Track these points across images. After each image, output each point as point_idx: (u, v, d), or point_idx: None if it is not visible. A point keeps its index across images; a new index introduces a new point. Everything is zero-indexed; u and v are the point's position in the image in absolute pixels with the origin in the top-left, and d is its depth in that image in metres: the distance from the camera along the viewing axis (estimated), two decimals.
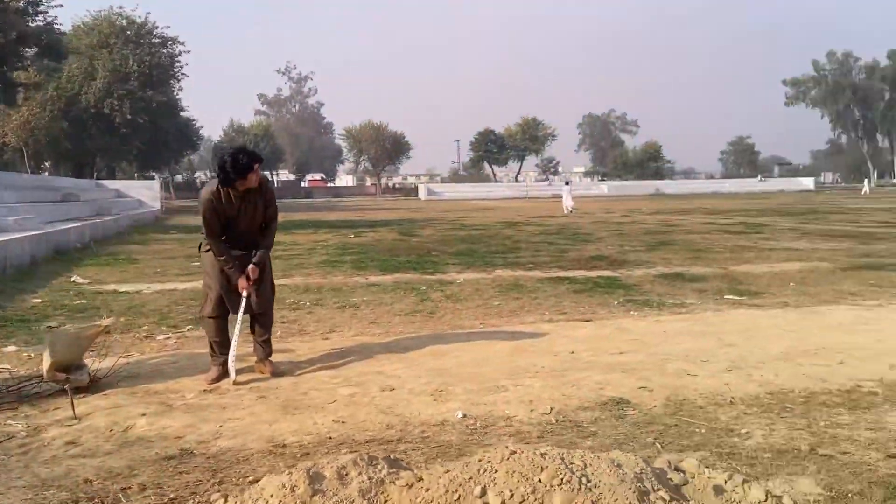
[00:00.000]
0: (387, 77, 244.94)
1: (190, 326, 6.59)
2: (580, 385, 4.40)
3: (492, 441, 3.55)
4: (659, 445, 3.42)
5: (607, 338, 5.75)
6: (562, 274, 9.87)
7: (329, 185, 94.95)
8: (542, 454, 2.71)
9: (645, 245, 14.13)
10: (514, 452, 2.73)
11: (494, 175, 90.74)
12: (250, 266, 4.67)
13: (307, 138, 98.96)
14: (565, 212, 29.31)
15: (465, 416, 3.91)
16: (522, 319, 6.75)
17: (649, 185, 73.58)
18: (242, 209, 4.59)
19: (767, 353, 5.09)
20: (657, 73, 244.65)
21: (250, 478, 3.16)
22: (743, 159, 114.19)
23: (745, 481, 2.86)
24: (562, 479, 2.53)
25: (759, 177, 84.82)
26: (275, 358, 5.01)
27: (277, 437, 3.66)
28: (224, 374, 4.72)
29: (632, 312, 6.95)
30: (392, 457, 3.11)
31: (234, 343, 4.71)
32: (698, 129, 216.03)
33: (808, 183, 76.30)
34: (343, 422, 3.86)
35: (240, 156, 4.33)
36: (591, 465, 2.64)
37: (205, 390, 4.52)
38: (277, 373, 4.81)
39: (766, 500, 2.74)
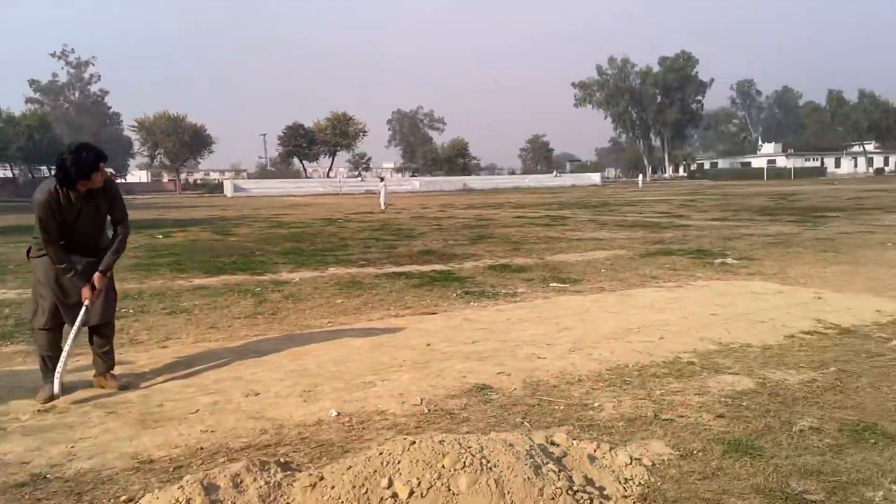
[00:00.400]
0: (184, 66, 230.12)
1: None
2: (444, 375, 4.60)
3: (371, 436, 3.62)
4: (528, 424, 3.70)
5: (457, 328, 6.01)
6: (396, 269, 10.06)
7: (120, 181, 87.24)
8: (440, 441, 2.84)
9: (467, 239, 14.78)
10: (414, 442, 2.83)
11: (305, 171, 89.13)
12: (97, 274, 4.28)
13: (90, 129, 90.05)
14: (382, 207, 29.70)
15: (338, 414, 3.93)
16: (370, 316, 6.82)
17: (458, 181, 76.45)
18: (84, 211, 4.19)
19: (599, 334, 5.65)
20: (461, 72, 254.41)
21: (123, 497, 2.97)
22: (539, 156, 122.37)
23: (611, 448, 3.21)
24: (464, 463, 2.68)
25: (554, 172, 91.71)
26: (114, 371, 4.64)
27: (142, 453, 3.44)
28: (61, 390, 4.30)
29: (472, 303, 7.30)
30: (281, 460, 3.07)
31: (64, 354, 4.28)
32: (500, 127, 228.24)
33: (595, 178, 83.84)
34: (212, 431, 3.71)
35: (83, 153, 3.94)
36: (486, 447, 2.82)
37: (40, 410, 4.09)
38: (122, 386, 4.47)
39: (630, 463, 3.10)
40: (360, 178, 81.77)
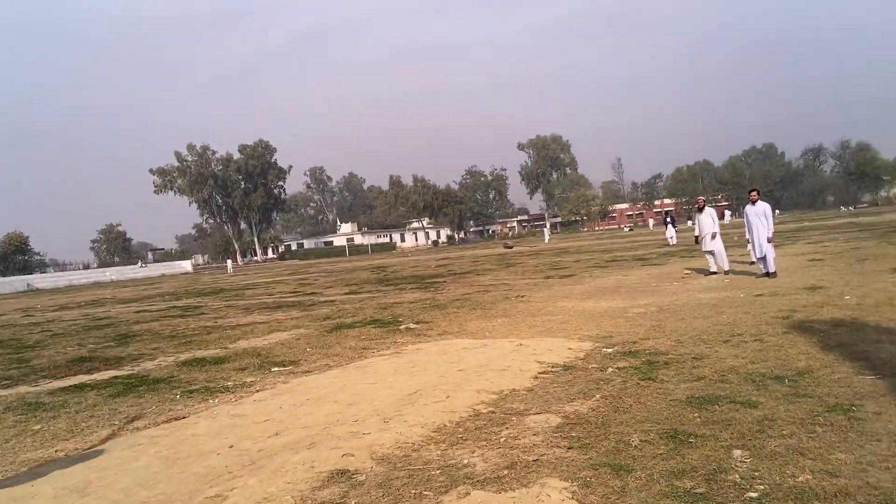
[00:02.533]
0: None
1: None
2: (289, 470, 4.26)
3: None
4: (430, 493, 3.74)
5: (237, 426, 5.51)
6: (64, 383, 8.48)
7: None
8: None
9: (111, 340, 13.07)
10: None
11: None
12: None
13: None
14: None
15: None
16: (100, 435, 5.73)
17: (19, 282, 65.74)
18: None
19: (387, 403, 5.82)
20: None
21: None
22: (116, 247, 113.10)
23: (543, 492, 3.51)
24: None
25: (139, 263, 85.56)
26: None
27: None
28: None
29: (212, 401, 6.68)
30: None
31: None
32: (64, 218, 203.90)
33: (186, 265, 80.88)
34: None
35: None
36: None
37: None
38: None
39: (563, 500, 3.45)
40: None
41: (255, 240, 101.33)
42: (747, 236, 14.29)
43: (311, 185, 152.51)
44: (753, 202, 14.00)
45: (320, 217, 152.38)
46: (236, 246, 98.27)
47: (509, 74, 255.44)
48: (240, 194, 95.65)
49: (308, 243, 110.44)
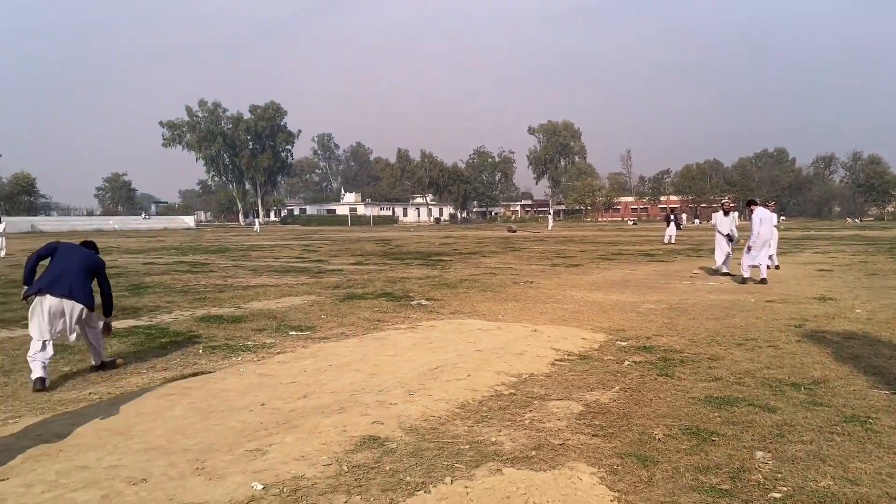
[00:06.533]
0: None
1: None
2: (322, 432, 4.42)
3: (315, 500, 3.40)
4: (462, 466, 3.89)
5: (263, 385, 5.67)
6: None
7: None
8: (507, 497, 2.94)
9: (124, 290, 13.21)
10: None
11: None
12: None
13: None
14: None
15: (265, 486, 3.56)
16: (127, 381, 5.89)
17: (23, 222, 65.97)
18: None
19: (409, 376, 5.97)
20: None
21: None
22: (120, 196, 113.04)
23: (576, 477, 3.66)
24: None
25: (143, 215, 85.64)
26: None
27: None
28: None
29: (235, 358, 6.83)
30: None
31: None
32: (70, 163, 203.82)
33: (189, 221, 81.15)
34: None
35: None
36: (539, 488, 3.02)
37: None
38: None
39: (594, 484, 3.59)
40: None
41: (259, 201, 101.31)
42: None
43: (318, 152, 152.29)
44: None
45: (325, 184, 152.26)
46: (240, 206, 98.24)
47: (527, 59, 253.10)
48: (247, 155, 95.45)
49: (311, 209, 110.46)
